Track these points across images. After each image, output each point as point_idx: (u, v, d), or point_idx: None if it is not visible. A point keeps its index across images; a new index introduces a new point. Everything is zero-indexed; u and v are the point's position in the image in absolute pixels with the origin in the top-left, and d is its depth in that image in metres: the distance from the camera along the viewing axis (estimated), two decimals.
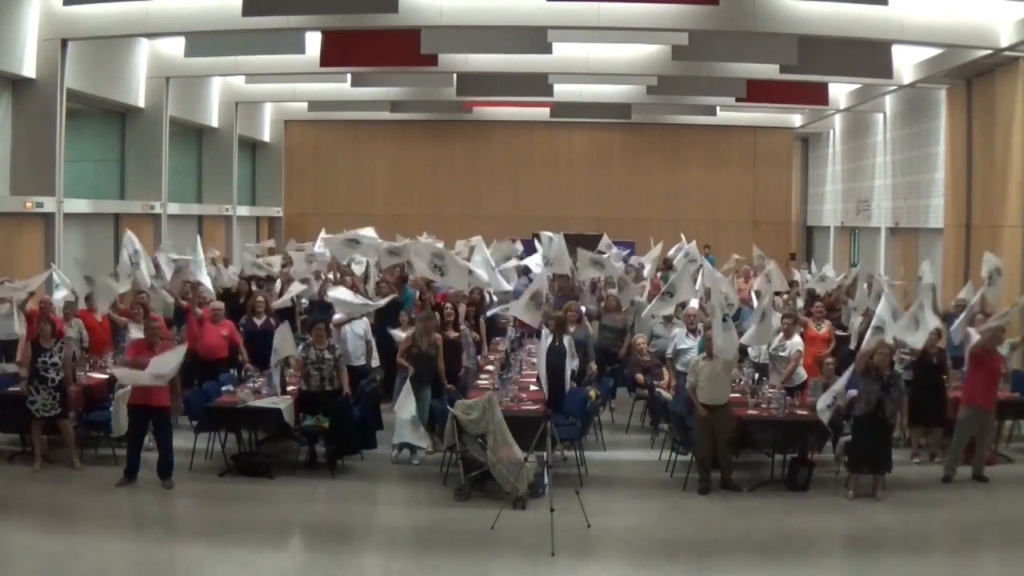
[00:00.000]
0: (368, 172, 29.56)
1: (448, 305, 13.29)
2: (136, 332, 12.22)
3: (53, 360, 10.80)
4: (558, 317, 12.54)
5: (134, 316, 13.11)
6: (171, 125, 21.34)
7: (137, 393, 10.40)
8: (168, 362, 10.17)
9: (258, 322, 13.67)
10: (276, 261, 19.11)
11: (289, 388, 11.57)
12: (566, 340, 12.15)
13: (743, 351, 13.02)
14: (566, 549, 8.76)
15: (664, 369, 13.25)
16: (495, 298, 15.92)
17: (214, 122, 24.60)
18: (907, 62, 18.67)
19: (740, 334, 12.43)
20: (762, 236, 28.26)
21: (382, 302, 13.67)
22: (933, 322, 11.69)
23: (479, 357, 14.10)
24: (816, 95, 21.48)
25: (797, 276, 18.58)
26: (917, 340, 11.48)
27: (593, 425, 12.18)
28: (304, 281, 16.01)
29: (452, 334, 12.77)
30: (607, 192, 29.08)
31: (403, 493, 10.77)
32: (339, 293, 13.41)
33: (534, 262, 18.30)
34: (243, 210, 26.76)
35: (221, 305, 13.50)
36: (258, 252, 20.28)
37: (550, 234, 17.67)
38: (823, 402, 10.43)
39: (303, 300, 16.80)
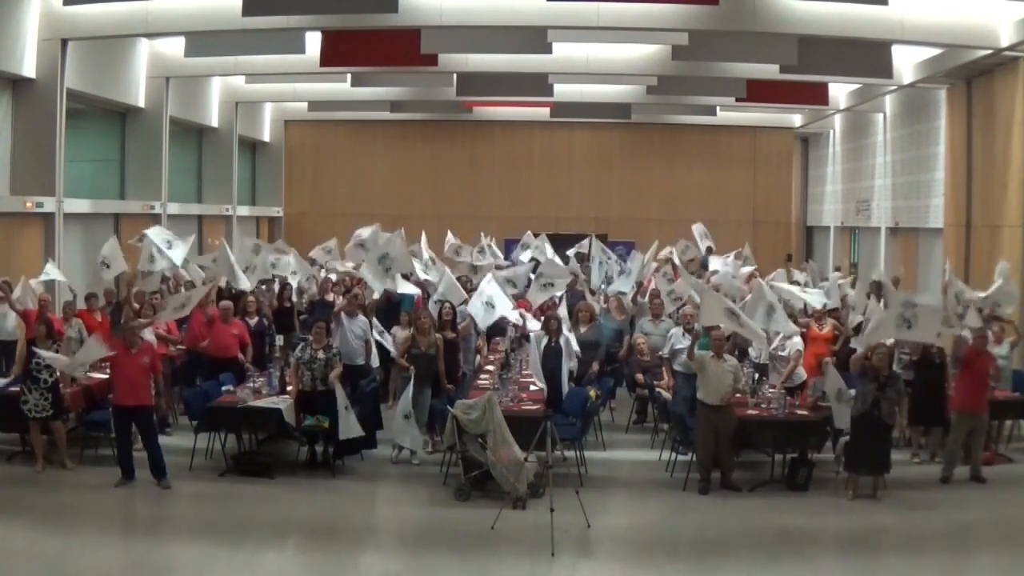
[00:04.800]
0: (368, 172, 29.54)
1: (447, 305, 13.30)
2: (149, 334, 12.25)
3: (46, 362, 10.80)
4: (555, 318, 12.55)
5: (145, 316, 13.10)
6: (171, 125, 21.34)
7: (118, 393, 10.42)
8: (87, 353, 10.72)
9: (251, 322, 13.71)
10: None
11: (289, 388, 11.56)
12: (562, 340, 12.15)
13: (743, 351, 13.04)
14: (566, 549, 8.76)
15: (664, 369, 13.27)
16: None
17: (214, 122, 24.60)
18: (907, 62, 18.66)
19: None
20: (762, 236, 28.29)
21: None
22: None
23: (479, 357, 14.11)
24: (816, 95, 21.47)
25: (798, 277, 18.54)
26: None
27: (593, 425, 12.18)
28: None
29: (450, 334, 12.77)
30: (607, 192, 29.07)
31: (403, 493, 10.76)
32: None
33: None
34: (243, 210, 26.75)
35: (230, 305, 13.52)
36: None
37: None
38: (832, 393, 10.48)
39: (303, 300, 16.86)
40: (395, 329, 13.53)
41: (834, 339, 13.28)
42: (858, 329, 13.59)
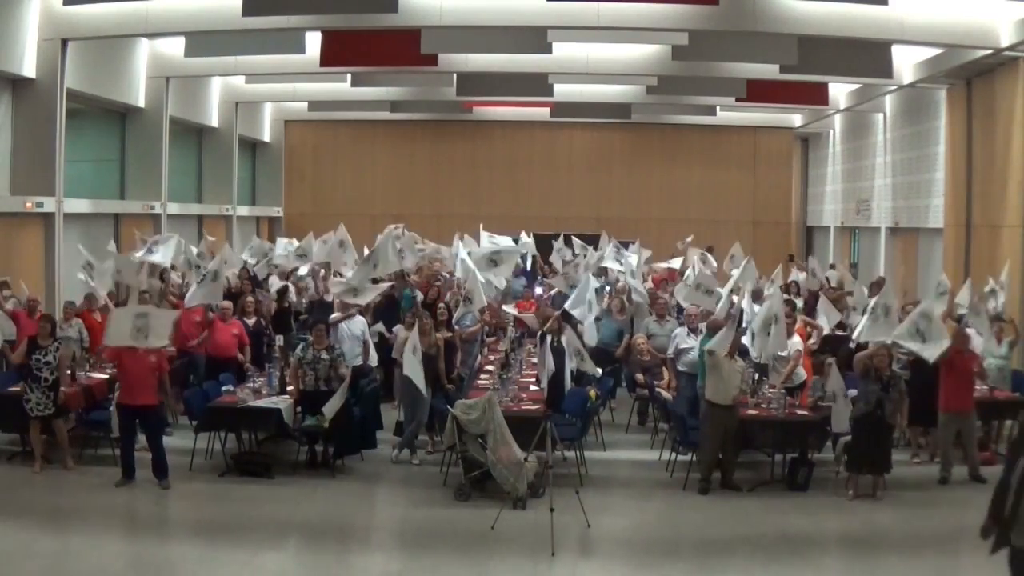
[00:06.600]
0: (368, 172, 29.55)
1: (442, 306, 13.31)
2: None
3: (47, 359, 10.77)
4: (556, 317, 12.55)
5: None
6: (171, 125, 21.34)
7: (124, 392, 10.43)
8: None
9: (249, 323, 13.74)
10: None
11: (289, 388, 11.56)
12: (564, 340, 12.14)
13: (743, 351, 13.01)
14: (566, 549, 8.76)
15: (664, 369, 13.27)
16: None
17: (214, 122, 24.61)
18: (907, 62, 18.66)
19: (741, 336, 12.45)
20: (762, 236, 28.29)
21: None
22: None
23: (479, 357, 14.11)
24: (816, 95, 21.48)
25: (796, 277, 18.54)
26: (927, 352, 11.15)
27: (593, 425, 12.18)
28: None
29: (446, 334, 12.77)
30: (607, 192, 29.08)
31: (403, 493, 10.75)
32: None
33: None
34: (243, 210, 26.77)
35: (229, 305, 13.56)
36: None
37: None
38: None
39: (303, 300, 16.87)
40: (397, 328, 13.52)
41: (807, 336, 13.28)
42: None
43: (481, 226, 18.96)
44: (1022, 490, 6.13)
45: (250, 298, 14.20)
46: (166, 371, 10.89)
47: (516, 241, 19.19)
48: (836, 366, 11.09)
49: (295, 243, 18.31)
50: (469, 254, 15.66)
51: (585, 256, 18.44)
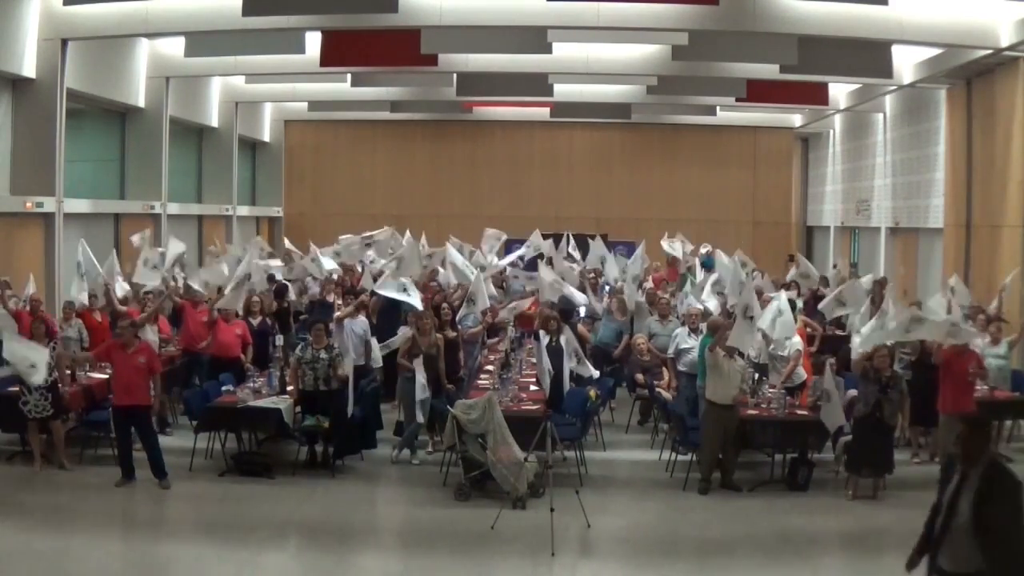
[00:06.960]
0: (368, 172, 29.57)
1: (445, 306, 13.31)
2: (151, 334, 12.27)
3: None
4: (555, 317, 12.54)
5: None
6: (171, 125, 21.35)
7: (116, 393, 10.44)
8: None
9: (254, 322, 13.75)
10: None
11: (289, 388, 11.56)
12: (563, 340, 12.14)
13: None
14: (566, 549, 8.76)
15: (664, 369, 13.26)
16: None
17: (214, 122, 24.61)
18: (907, 62, 18.66)
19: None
20: (762, 236, 28.31)
21: None
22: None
23: (479, 357, 14.11)
24: (816, 95, 21.48)
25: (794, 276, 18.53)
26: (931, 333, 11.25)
27: (593, 425, 12.18)
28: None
29: (449, 334, 12.77)
30: (607, 192, 29.09)
31: (403, 493, 10.77)
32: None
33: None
34: (243, 210, 26.77)
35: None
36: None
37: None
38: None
39: (303, 300, 16.91)
40: (402, 329, 13.54)
41: (809, 339, 13.26)
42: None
43: (503, 237, 19.09)
44: (952, 511, 6.05)
45: (255, 297, 14.22)
46: (158, 372, 10.88)
47: (526, 262, 19.26)
48: (834, 366, 11.09)
49: (280, 262, 18.52)
50: (481, 268, 15.83)
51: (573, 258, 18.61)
